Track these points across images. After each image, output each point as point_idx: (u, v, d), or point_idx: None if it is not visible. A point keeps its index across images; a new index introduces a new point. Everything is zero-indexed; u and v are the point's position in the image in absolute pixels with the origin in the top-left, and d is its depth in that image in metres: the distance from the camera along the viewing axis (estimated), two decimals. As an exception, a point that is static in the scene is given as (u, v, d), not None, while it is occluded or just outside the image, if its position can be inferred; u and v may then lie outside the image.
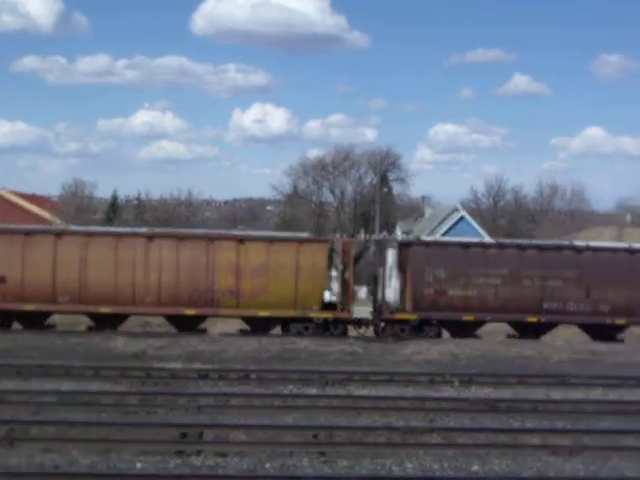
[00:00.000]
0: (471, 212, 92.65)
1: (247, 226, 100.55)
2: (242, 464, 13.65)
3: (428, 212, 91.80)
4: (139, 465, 13.44)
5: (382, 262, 32.91)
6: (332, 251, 31.98)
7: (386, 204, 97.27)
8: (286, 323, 31.55)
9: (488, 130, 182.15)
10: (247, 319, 32.02)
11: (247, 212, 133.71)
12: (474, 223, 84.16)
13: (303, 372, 23.03)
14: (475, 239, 38.67)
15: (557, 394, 20.99)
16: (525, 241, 36.62)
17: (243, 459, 13.85)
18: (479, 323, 32.69)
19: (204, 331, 32.21)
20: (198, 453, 14.06)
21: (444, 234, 75.74)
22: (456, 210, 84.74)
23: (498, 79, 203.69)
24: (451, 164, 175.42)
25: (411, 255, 32.35)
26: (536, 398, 20.28)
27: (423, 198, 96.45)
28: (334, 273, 31.63)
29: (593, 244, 34.58)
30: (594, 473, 13.79)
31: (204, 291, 30.90)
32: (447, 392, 20.99)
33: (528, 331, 32.83)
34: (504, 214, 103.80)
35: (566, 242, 35.96)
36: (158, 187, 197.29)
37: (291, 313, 31.17)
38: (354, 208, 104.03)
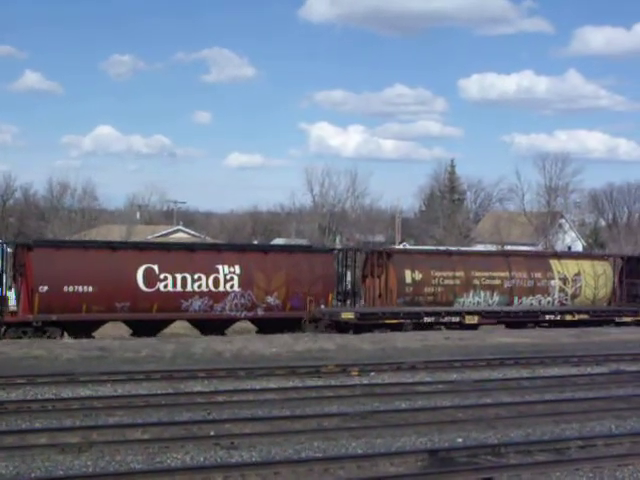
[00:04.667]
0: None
1: None
2: None
3: None
4: None
5: None
6: None
7: None
8: None
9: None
10: None
11: None
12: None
13: None
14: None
15: (67, 392, 20.89)
16: None
17: None
18: None
19: None
20: None
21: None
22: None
23: (8, 76, 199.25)
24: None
25: None
26: (45, 397, 20.10)
27: None
28: None
29: None
30: (102, 468, 13.91)
31: None
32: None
33: None
34: (13, 212, 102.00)
35: None
36: None
37: None
38: None
